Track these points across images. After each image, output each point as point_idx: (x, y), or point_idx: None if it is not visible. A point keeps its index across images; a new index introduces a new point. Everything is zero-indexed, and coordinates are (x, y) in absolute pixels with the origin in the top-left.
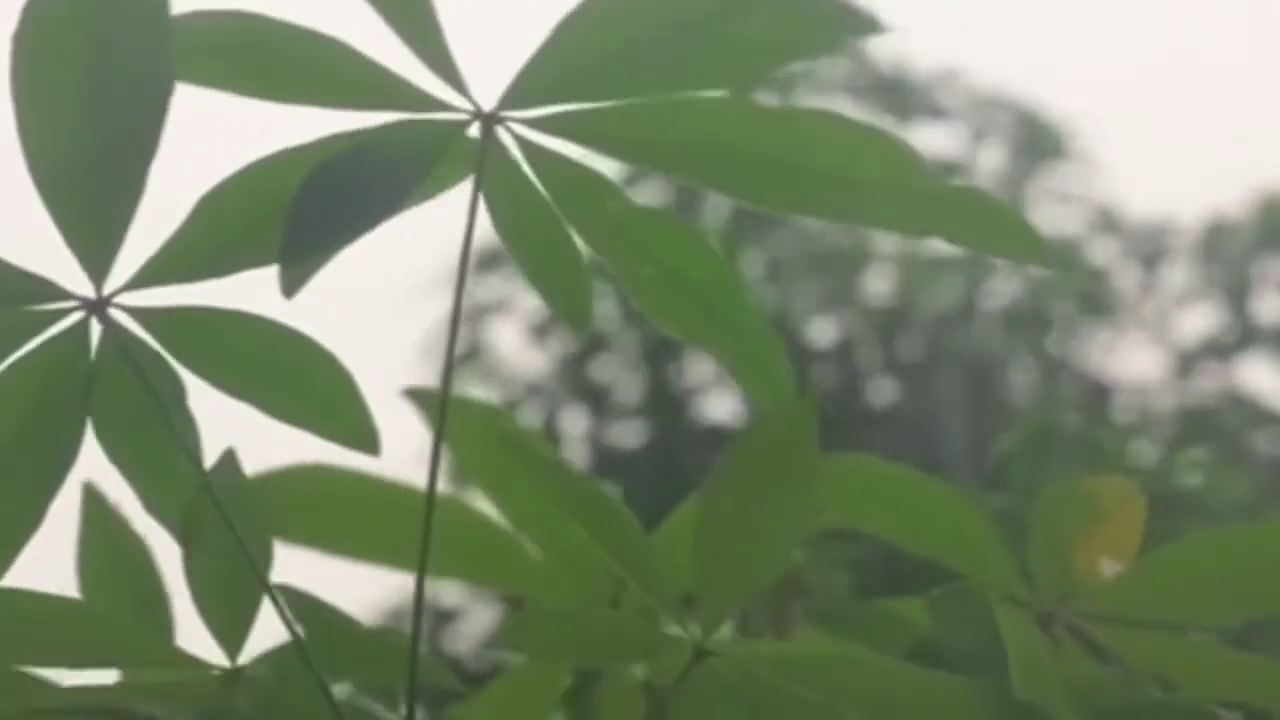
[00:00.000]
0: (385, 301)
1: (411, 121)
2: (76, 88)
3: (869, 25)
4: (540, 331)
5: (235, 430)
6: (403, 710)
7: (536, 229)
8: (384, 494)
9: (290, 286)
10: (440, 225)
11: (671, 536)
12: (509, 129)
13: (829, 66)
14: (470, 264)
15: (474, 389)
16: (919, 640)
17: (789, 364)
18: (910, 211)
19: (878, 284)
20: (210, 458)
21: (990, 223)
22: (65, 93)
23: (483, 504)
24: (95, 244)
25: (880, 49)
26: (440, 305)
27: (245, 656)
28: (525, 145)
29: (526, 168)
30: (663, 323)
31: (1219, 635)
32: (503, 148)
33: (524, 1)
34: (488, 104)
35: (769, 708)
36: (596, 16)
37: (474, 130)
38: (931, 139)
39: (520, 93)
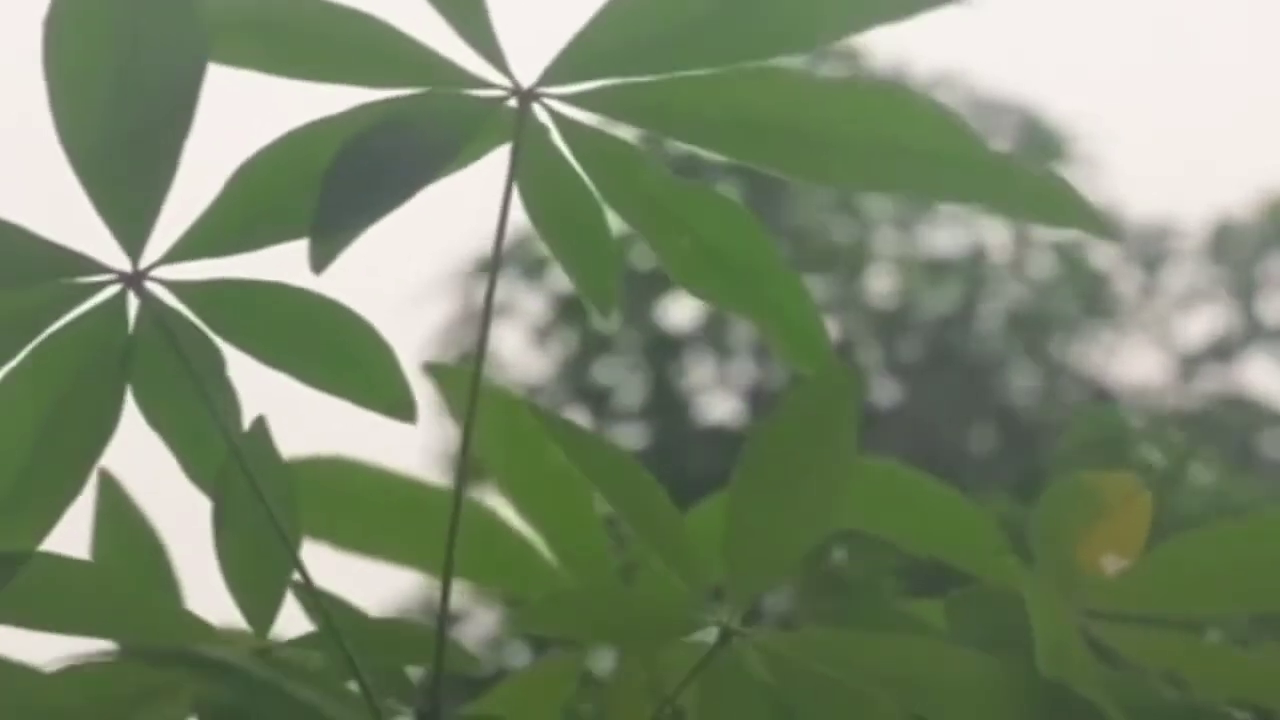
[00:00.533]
0: (386, 306)
1: (445, 94)
2: (108, 64)
3: None
4: (541, 334)
5: (272, 407)
6: (417, 702)
7: (568, 207)
8: (402, 489)
9: (320, 261)
10: (438, 231)
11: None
12: (545, 105)
13: (829, 69)
14: (471, 268)
15: None
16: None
17: (826, 330)
18: (959, 182)
19: (878, 285)
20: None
21: (1040, 192)
22: (97, 69)
23: (493, 499)
24: (130, 218)
25: (880, 51)
26: (440, 310)
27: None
28: (560, 121)
29: (561, 143)
30: (700, 293)
31: (1226, 633)
32: (539, 124)
33: None
34: (529, 81)
35: (795, 688)
36: None
37: (511, 107)
38: None
39: (561, 69)
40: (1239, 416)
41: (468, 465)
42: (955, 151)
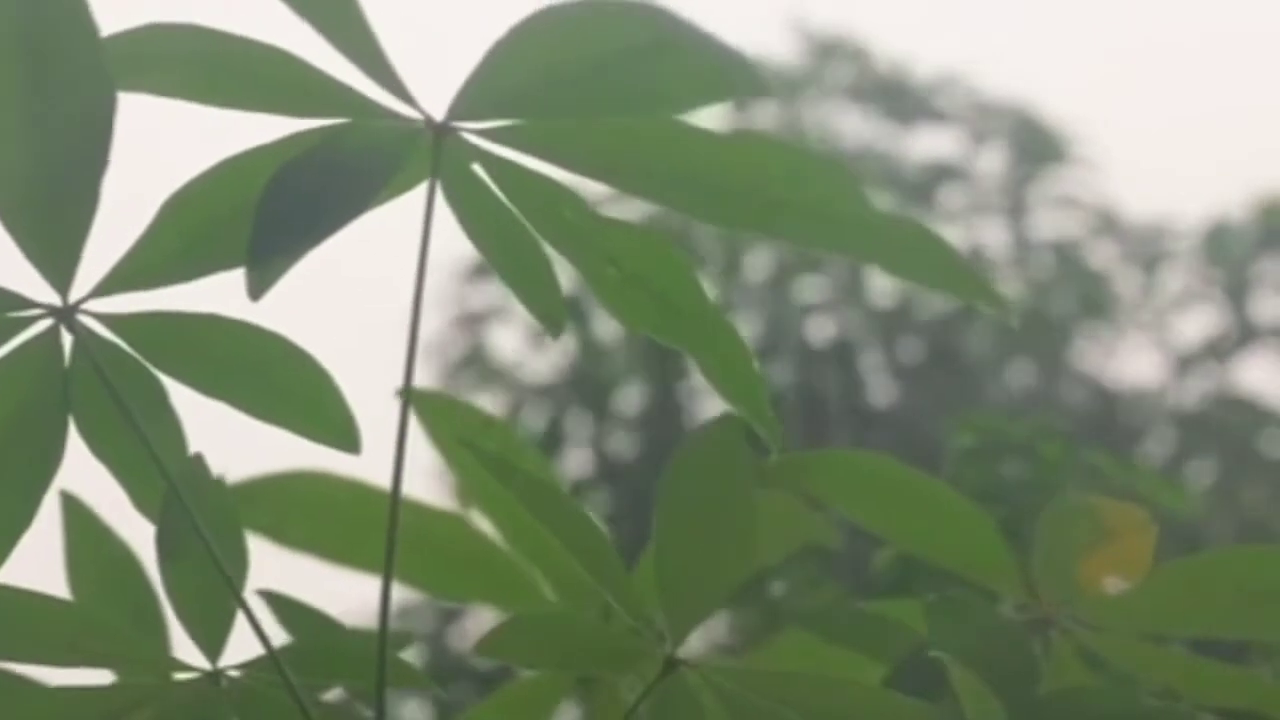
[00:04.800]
0: (391, 310)
1: (371, 123)
2: (14, 104)
3: (756, 85)
4: (539, 339)
5: (245, 433)
6: (397, 701)
7: (502, 233)
8: (380, 503)
9: (257, 288)
10: (445, 232)
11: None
12: (461, 138)
13: (832, 71)
14: (466, 272)
15: (475, 395)
16: (918, 644)
17: (751, 357)
18: (846, 238)
19: (879, 285)
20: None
21: (928, 257)
22: (4, 110)
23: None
24: (53, 255)
25: (882, 53)
26: (442, 313)
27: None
28: (479, 154)
29: (484, 175)
30: (627, 321)
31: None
32: (458, 155)
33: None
34: (435, 115)
35: (736, 717)
36: (527, 41)
37: (429, 137)
38: (931, 144)
39: (467, 105)
40: (1237, 416)
41: (401, 482)
42: (846, 211)
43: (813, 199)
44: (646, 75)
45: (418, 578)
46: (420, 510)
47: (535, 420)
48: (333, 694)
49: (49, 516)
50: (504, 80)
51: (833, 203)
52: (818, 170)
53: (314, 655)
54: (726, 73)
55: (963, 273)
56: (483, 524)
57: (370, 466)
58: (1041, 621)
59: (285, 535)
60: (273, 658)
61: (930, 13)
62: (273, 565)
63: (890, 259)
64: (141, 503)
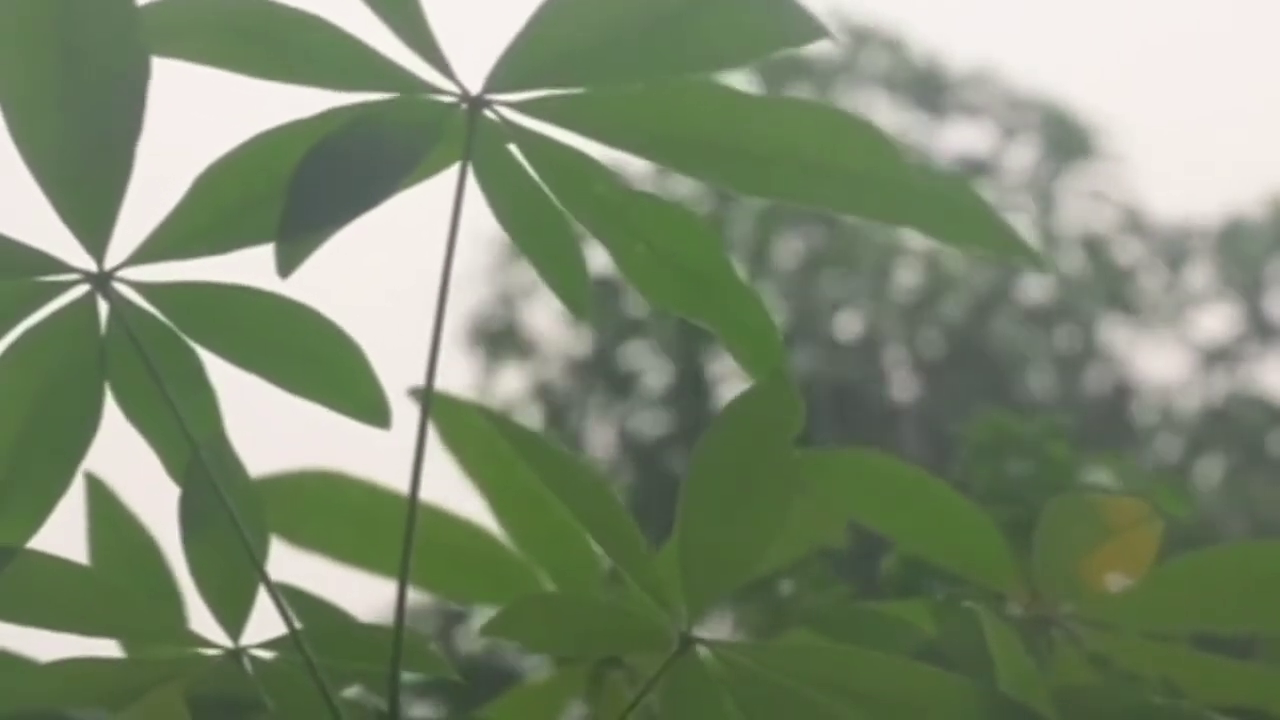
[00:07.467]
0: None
1: (407, 99)
2: (49, 69)
3: (817, 30)
4: (570, 319)
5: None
6: (407, 702)
7: (530, 212)
8: (392, 504)
9: (286, 265)
10: (482, 214)
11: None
12: (496, 112)
13: (867, 59)
14: (502, 253)
15: (508, 374)
16: (925, 644)
17: (779, 336)
18: (886, 201)
19: (905, 279)
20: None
21: (966, 216)
22: (40, 75)
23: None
24: (89, 219)
25: (918, 43)
26: (479, 294)
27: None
28: (513, 128)
29: (515, 150)
30: (657, 299)
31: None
32: (491, 130)
33: None
34: (472, 88)
35: (753, 697)
36: (574, 3)
37: (463, 111)
38: (962, 137)
39: (505, 76)
40: (1252, 415)
41: (420, 482)
42: (886, 173)
43: (852, 162)
44: (701, 29)
45: (426, 579)
46: (429, 511)
47: (563, 399)
48: (350, 691)
49: (68, 501)
50: (550, 45)
51: (874, 165)
52: (859, 132)
53: (334, 639)
54: (783, 20)
55: (1002, 232)
56: (488, 524)
57: (372, 467)
58: (1043, 620)
59: (297, 535)
60: (293, 635)
61: (957, 7)
62: (274, 568)
63: (930, 222)
64: (177, 474)
